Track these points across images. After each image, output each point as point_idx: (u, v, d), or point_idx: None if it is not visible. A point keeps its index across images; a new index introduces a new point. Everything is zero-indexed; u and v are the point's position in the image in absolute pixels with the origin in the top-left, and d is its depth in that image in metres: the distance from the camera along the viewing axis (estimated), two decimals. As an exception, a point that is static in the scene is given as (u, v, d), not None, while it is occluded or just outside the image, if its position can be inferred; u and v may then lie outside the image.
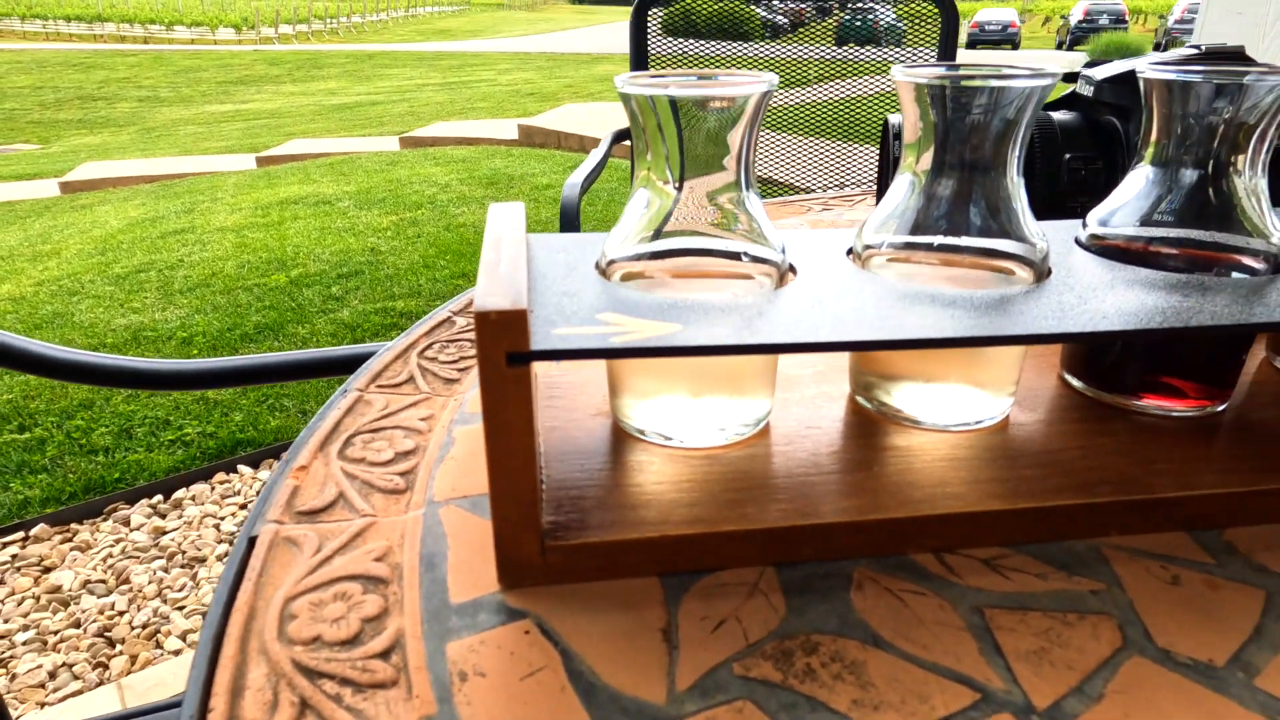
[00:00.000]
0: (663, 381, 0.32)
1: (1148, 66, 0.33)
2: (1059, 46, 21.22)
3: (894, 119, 0.48)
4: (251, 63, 14.59)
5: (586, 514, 0.28)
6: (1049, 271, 0.32)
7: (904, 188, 0.33)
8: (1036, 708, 0.22)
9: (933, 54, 1.35)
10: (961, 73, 0.30)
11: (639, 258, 0.31)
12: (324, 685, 0.22)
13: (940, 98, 0.30)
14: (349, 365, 0.66)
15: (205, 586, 1.50)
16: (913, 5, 1.36)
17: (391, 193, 4.15)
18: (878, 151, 1.46)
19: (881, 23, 1.61)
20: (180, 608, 1.45)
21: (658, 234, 0.31)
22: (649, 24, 1.34)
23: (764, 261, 0.31)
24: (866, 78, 1.48)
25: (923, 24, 1.36)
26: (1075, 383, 0.37)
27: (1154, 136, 0.33)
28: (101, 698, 1.22)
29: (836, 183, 1.49)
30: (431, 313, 0.48)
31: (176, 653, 1.34)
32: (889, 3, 1.40)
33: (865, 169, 1.47)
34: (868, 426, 0.34)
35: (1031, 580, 0.27)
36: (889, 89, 1.46)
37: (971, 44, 21.26)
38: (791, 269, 0.33)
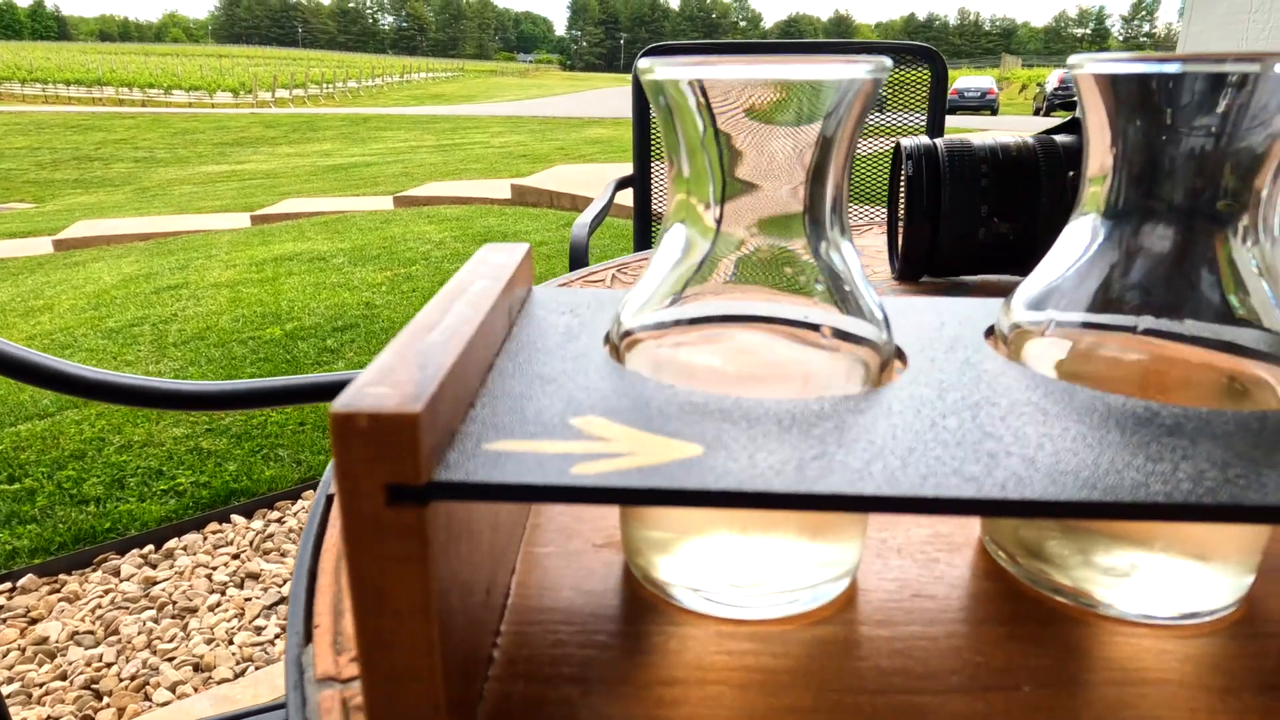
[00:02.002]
0: (690, 517, 0.21)
1: None
2: (1036, 113, 22.04)
3: (906, 142, 0.51)
4: (248, 125, 14.89)
5: (532, 713, 0.19)
6: None
7: (1083, 239, 0.21)
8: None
9: (920, 118, 1.41)
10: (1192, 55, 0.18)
11: (664, 326, 0.21)
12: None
13: (1158, 97, 0.19)
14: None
15: (196, 637, 1.47)
16: (897, 71, 1.42)
17: (386, 249, 4.21)
18: (863, 209, 1.51)
19: None
20: (170, 659, 1.42)
21: (694, 292, 0.21)
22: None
23: (858, 340, 0.20)
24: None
25: (903, 91, 1.42)
26: None
27: None
28: (88, 751, 1.18)
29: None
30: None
31: (165, 704, 1.31)
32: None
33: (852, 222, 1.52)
34: (1012, 604, 0.22)
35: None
36: (869, 152, 1.51)
37: (951, 110, 22.04)
38: (899, 354, 0.22)
